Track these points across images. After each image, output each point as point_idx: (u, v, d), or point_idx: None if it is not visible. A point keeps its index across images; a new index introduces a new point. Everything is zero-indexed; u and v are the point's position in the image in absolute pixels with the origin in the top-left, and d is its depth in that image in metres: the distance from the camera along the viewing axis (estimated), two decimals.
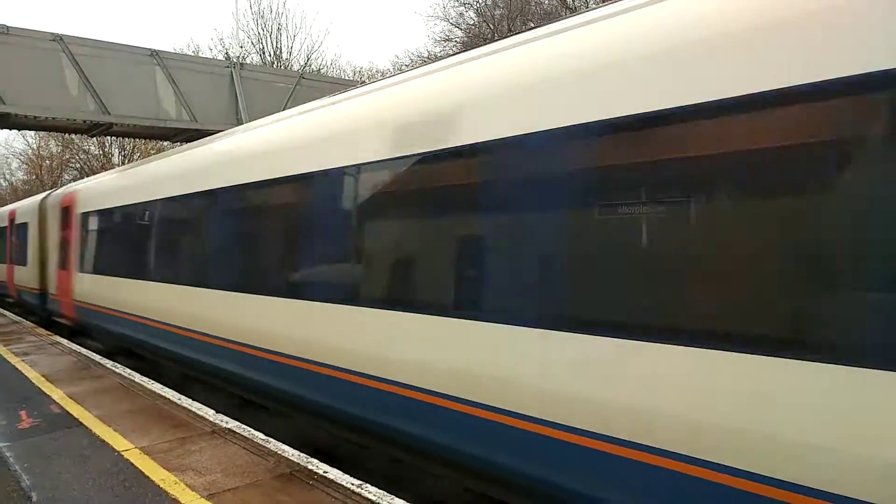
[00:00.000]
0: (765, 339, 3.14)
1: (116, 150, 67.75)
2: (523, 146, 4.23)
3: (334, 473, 5.58)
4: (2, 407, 8.24)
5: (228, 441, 6.59)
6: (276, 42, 44.54)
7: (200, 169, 8.85)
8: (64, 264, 14.04)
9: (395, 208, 5.44)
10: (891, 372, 2.72)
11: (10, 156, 77.26)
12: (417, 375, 4.91)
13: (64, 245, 14.10)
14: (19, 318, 18.54)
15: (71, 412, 7.94)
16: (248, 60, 39.20)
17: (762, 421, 3.10)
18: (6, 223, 20.20)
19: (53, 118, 14.62)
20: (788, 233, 3.16)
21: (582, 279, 3.98)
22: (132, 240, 11.19)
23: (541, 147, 4.13)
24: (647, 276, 3.63)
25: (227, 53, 44.74)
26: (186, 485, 5.40)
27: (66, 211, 14.10)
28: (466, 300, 4.65)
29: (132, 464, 5.97)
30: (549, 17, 28.17)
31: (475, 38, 34.18)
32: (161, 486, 5.41)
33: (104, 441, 6.70)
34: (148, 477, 5.62)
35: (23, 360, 11.51)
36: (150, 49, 15.17)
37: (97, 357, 12.32)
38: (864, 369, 2.79)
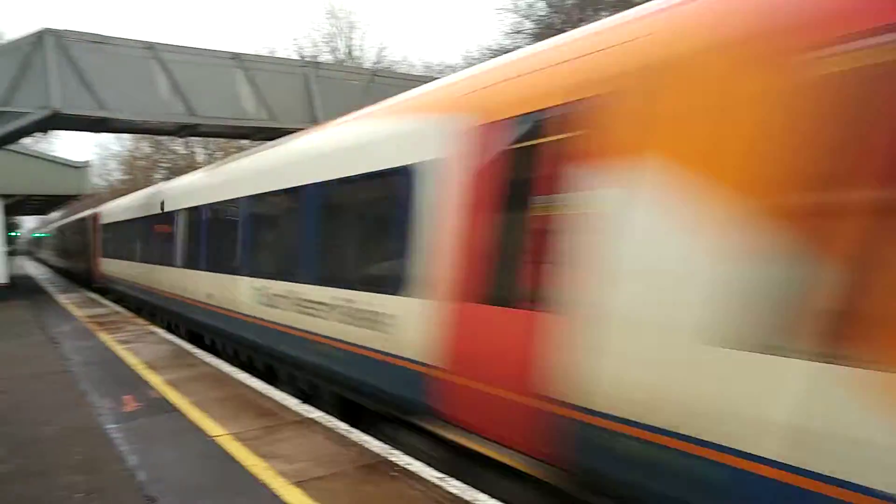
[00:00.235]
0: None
1: (200, 148, 71.19)
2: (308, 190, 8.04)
3: (416, 466, 5.71)
4: (109, 391, 8.89)
5: (312, 431, 6.86)
6: (348, 40, 45.46)
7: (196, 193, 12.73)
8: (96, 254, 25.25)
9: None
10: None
11: (109, 158, 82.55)
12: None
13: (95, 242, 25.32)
14: (120, 308, 19.86)
15: (168, 398, 8.46)
16: (320, 59, 40.24)
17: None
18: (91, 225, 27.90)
19: (146, 121, 15.53)
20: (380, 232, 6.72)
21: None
22: (129, 238, 17.65)
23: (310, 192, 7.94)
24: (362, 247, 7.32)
25: (301, 53, 46.10)
26: (276, 471, 5.67)
27: (94, 220, 25.79)
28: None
29: (225, 449, 6.31)
30: (620, 4, 27.43)
31: (546, 29, 33.72)
32: (252, 471, 5.70)
33: (199, 426, 7.11)
34: (240, 462, 5.93)
35: (125, 348, 12.34)
36: (231, 52, 15.82)
37: (189, 347, 13.06)
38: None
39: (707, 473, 3.25)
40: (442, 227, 5.22)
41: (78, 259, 31.56)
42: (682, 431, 3.36)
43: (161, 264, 14.48)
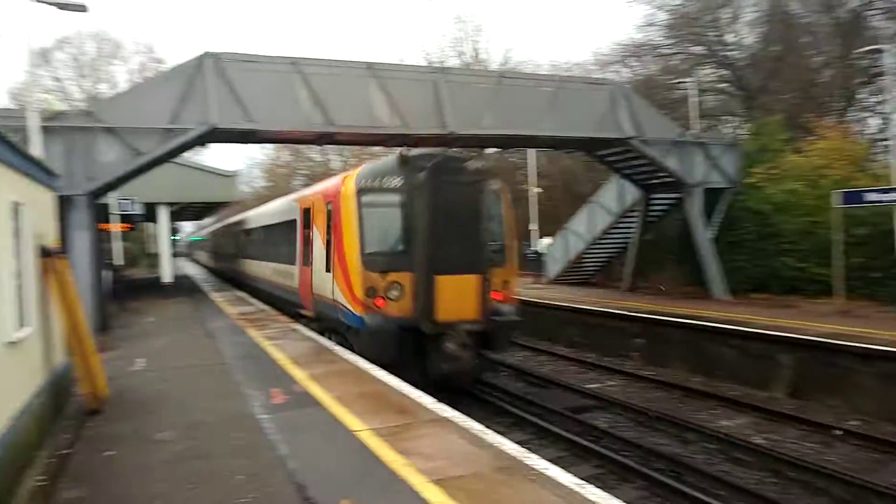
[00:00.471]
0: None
1: (335, 155, 75.01)
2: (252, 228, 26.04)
3: (554, 471, 5.62)
4: (259, 384, 9.56)
5: (448, 430, 6.95)
6: (475, 43, 45.91)
7: (240, 223, 29.89)
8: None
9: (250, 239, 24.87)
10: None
11: (253, 166, 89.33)
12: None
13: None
14: (265, 307, 21.37)
15: (311, 392, 8.94)
16: (447, 64, 40.96)
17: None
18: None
19: (289, 131, 16.59)
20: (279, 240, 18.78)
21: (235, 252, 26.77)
22: (230, 243, 33.12)
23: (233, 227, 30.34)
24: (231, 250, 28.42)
25: (428, 59, 47.17)
26: (415, 469, 5.80)
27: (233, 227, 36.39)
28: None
29: (366, 444, 6.56)
30: None
31: (680, 19, 32.08)
32: (392, 466, 5.87)
33: (341, 420, 7.45)
34: (380, 457, 6.13)
35: (271, 344, 13.23)
36: (365, 62, 16.51)
37: (328, 344, 13.74)
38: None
39: (337, 307, 12.52)
40: (298, 240, 15.82)
41: (211, 258, 48.31)
42: (328, 296, 12.99)
43: (236, 257, 29.26)
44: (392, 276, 11.44)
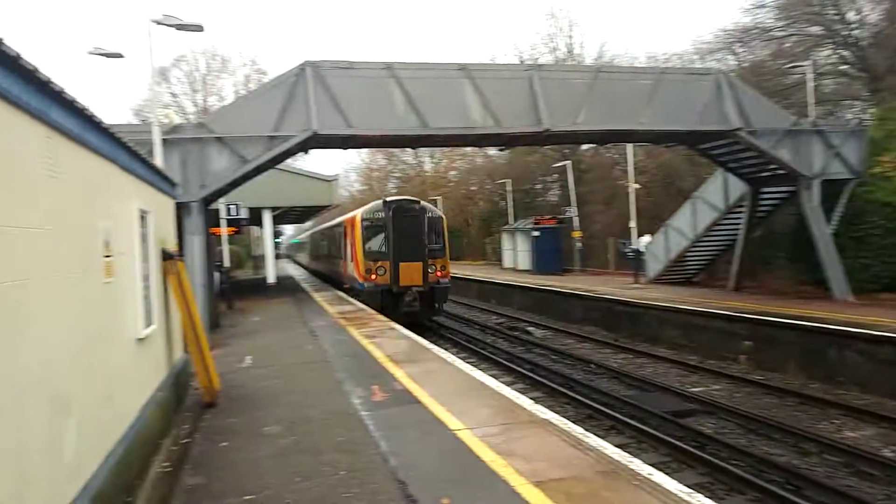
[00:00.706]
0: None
1: (427, 158, 76.13)
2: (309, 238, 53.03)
3: (659, 476, 5.40)
4: (360, 381, 9.83)
5: (548, 432, 6.85)
6: (568, 39, 45.14)
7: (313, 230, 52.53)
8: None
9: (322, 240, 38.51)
10: None
11: (350, 170, 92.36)
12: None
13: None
14: (363, 306, 21.98)
15: (410, 390, 9.09)
16: (540, 60, 40.49)
17: None
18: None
19: (385, 135, 16.95)
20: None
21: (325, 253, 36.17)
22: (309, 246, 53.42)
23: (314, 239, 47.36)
24: (326, 254, 35.16)
25: (520, 57, 46.86)
26: (514, 469, 5.75)
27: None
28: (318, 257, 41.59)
29: (464, 443, 6.57)
30: None
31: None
32: (492, 467, 5.84)
33: (439, 419, 7.51)
34: (479, 457, 6.12)
35: (371, 342, 13.57)
36: (458, 63, 16.58)
37: (425, 343, 13.94)
38: None
39: (354, 280, 22.37)
40: (341, 246, 26.39)
41: (306, 258, 57.56)
42: (351, 274, 23.32)
43: (319, 256, 40.47)
44: (378, 263, 20.67)
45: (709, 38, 36.10)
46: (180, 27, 14.02)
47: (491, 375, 12.26)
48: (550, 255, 34.11)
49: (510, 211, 46.48)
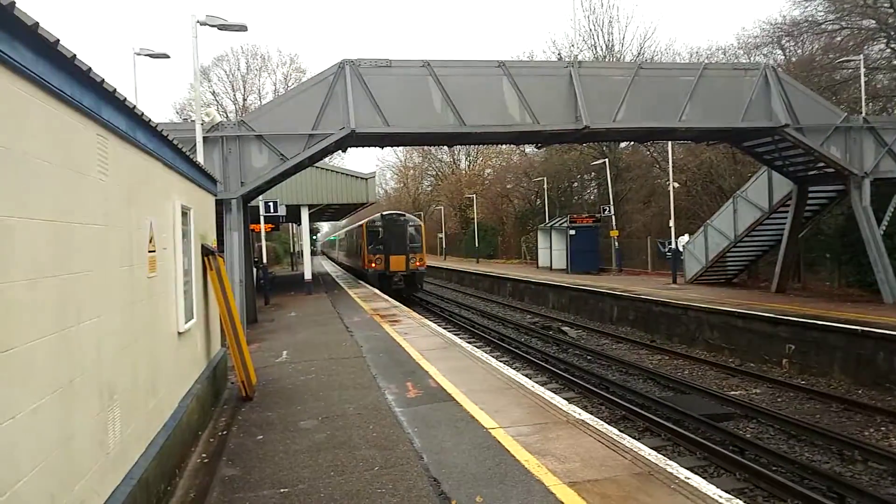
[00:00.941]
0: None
1: (463, 156, 76.13)
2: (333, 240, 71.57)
3: (696, 480, 5.30)
4: (394, 377, 9.89)
5: (582, 432, 6.78)
6: (608, 35, 44.55)
7: (337, 233, 70.96)
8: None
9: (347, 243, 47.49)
10: None
11: (385, 168, 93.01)
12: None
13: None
14: (397, 303, 22.11)
15: (444, 387, 9.11)
16: (579, 57, 40.05)
17: None
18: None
19: (423, 133, 17.00)
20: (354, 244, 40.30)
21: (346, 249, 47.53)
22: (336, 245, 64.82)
23: (335, 241, 67.75)
24: (349, 250, 43.93)
25: (559, 54, 46.43)
26: (548, 469, 5.71)
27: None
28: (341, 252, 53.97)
29: (499, 442, 6.55)
30: None
31: None
32: (526, 466, 5.82)
33: (473, 417, 7.50)
34: (513, 456, 6.10)
35: (404, 339, 13.65)
36: (497, 61, 16.52)
37: (457, 340, 13.96)
38: None
39: (364, 268, 32.04)
40: (357, 244, 36.09)
41: (339, 254, 61.55)
42: (364, 265, 32.19)
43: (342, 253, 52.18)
44: (377, 255, 29.46)
45: (755, 32, 35.19)
46: (223, 27, 14.30)
47: (525, 374, 12.24)
48: (586, 254, 33.76)
49: (546, 209, 46.18)
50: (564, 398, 8.96)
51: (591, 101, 16.25)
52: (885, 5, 27.70)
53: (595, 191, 49.75)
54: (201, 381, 7.96)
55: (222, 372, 9.98)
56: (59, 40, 3.45)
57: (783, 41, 32.64)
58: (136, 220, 5.25)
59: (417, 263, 29.70)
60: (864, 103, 21.57)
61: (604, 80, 16.91)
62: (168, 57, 17.32)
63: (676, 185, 29.34)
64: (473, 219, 58.28)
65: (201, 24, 14.07)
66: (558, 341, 19.31)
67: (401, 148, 77.61)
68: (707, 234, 24.70)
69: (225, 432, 7.57)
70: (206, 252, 8.72)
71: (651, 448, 6.46)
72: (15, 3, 2.94)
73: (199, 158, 13.44)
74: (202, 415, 7.85)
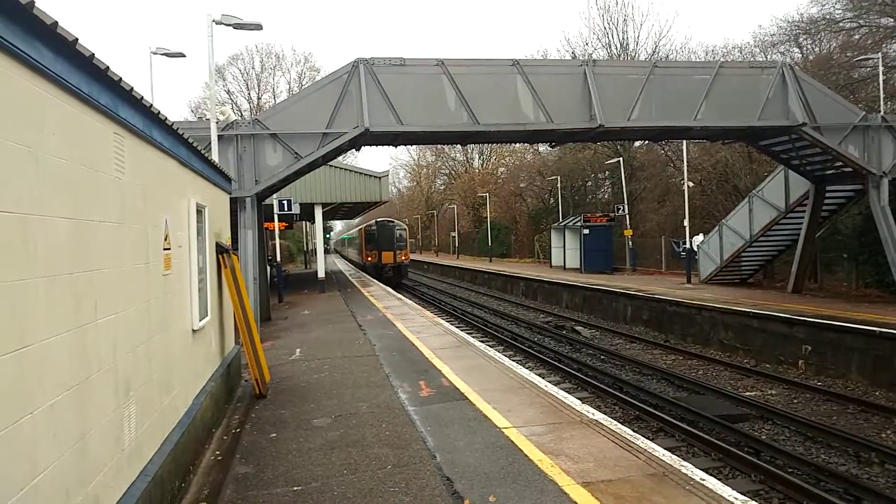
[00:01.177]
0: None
1: (476, 154, 76.05)
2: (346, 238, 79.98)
3: (712, 482, 5.25)
4: (406, 376, 9.90)
5: (596, 432, 6.74)
6: (623, 34, 44.30)
7: (348, 233, 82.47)
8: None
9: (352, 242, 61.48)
10: None
11: (398, 167, 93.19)
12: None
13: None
14: (409, 301, 22.13)
15: (457, 386, 9.10)
16: (593, 56, 39.85)
17: None
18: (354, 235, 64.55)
19: (436, 132, 16.97)
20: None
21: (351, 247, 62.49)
22: (346, 246, 76.87)
23: (346, 239, 77.60)
24: (353, 248, 59.42)
25: (573, 52, 46.23)
26: (562, 469, 5.68)
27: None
28: (350, 250, 66.10)
29: (512, 441, 6.53)
30: None
31: None
32: (539, 466, 5.80)
33: (486, 416, 7.49)
34: (527, 456, 6.08)
35: (417, 338, 13.66)
36: (511, 59, 16.45)
37: (470, 338, 13.95)
38: None
39: (363, 262, 45.73)
40: (358, 243, 49.14)
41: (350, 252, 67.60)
42: (363, 260, 43.71)
43: (350, 250, 63.69)
44: (372, 252, 38.81)
45: (772, 30, 34.81)
46: (239, 26, 14.37)
47: (538, 374, 12.19)
48: (600, 253, 33.58)
49: (560, 208, 46.01)
50: (578, 398, 8.93)
51: (606, 100, 16.15)
52: None
53: (609, 190, 49.50)
54: (215, 378, 8.01)
55: (236, 369, 10.04)
56: (77, 39, 3.47)
57: (800, 39, 32.28)
58: (152, 218, 5.28)
59: (402, 258, 39.58)
60: (882, 102, 21.29)
61: (618, 78, 16.79)
62: (184, 56, 17.43)
63: (691, 184, 29.12)
64: (486, 218, 58.22)
65: (217, 24, 14.14)
66: (572, 341, 19.23)
67: (414, 147, 77.69)
68: (722, 234, 24.49)
69: (238, 430, 7.61)
70: (220, 250, 8.77)
71: (665, 449, 6.41)
72: (34, 2, 2.97)
73: (214, 157, 13.52)
74: (216, 412, 7.90)
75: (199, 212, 7.31)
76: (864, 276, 20.77)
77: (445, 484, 5.51)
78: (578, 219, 35.27)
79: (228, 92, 57.38)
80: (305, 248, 63.29)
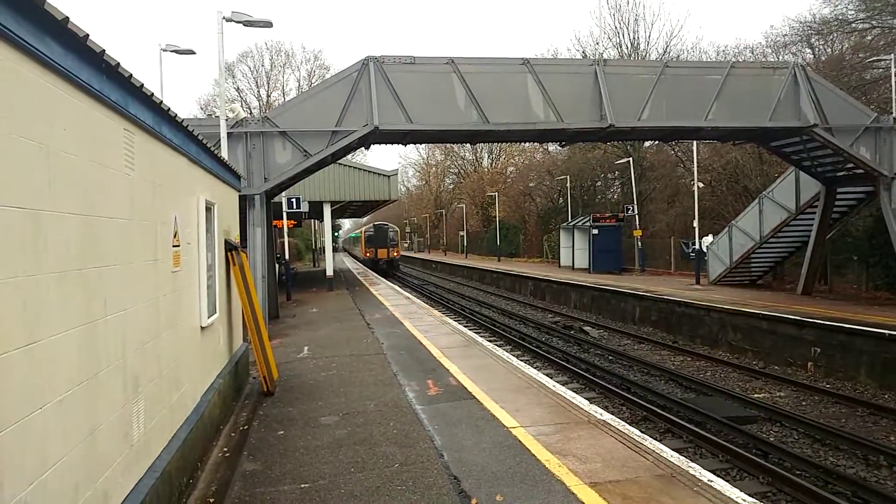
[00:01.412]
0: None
1: (486, 153, 75.98)
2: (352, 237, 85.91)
3: (720, 483, 5.22)
4: (415, 375, 9.90)
5: (603, 432, 6.72)
6: (634, 33, 44.12)
7: (353, 232, 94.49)
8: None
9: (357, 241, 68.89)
10: None
11: (408, 166, 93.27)
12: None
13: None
14: (417, 300, 22.14)
15: (464, 385, 9.09)
16: (604, 55, 39.71)
17: None
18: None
19: (445, 131, 16.96)
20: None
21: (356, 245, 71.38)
22: (351, 244, 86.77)
23: (353, 238, 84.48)
24: (356, 245, 76.15)
25: (583, 52, 46.10)
26: (569, 469, 5.66)
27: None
28: (356, 248, 71.83)
29: (519, 441, 6.52)
30: None
31: None
32: (547, 466, 5.78)
33: (494, 416, 7.48)
34: (534, 456, 6.06)
35: (425, 337, 13.66)
36: (521, 58, 16.42)
37: (478, 338, 13.93)
38: None
39: (364, 257, 56.30)
40: (361, 242, 55.93)
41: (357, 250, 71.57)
42: (363, 255, 55.61)
43: (355, 248, 73.21)
44: (369, 248, 49.52)
45: (784, 31, 34.58)
46: (249, 23, 14.41)
47: (545, 374, 12.17)
48: (609, 253, 33.47)
49: (569, 208, 45.90)
50: (585, 398, 8.89)
51: (616, 100, 16.08)
52: None
53: (618, 190, 49.35)
54: (223, 375, 8.03)
55: (244, 367, 10.07)
56: (88, 35, 3.48)
57: (812, 40, 32.05)
58: (162, 215, 5.30)
59: (394, 254, 49.73)
60: (894, 103, 21.08)
61: (629, 78, 16.71)
62: (194, 53, 17.52)
63: (701, 184, 28.98)
64: (495, 217, 58.16)
65: (227, 21, 14.18)
66: (580, 341, 19.17)
67: (423, 145, 77.78)
68: (732, 235, 24.34)
69: (246, 427, 7.63)
70: (229, 247, 8.80)
71: (673, 450, 6.38)
72: None
73: (224, 154, 13.57)
74: (224, 409, 7.93)
75: (209, 209, 7.33)
76: (874, 279, 20.60)
77: (452, 483, 5.50)
78: (588, 219, 35.17)
79: (238, 89, 57.61)
80: (314, 247, 63.05)
